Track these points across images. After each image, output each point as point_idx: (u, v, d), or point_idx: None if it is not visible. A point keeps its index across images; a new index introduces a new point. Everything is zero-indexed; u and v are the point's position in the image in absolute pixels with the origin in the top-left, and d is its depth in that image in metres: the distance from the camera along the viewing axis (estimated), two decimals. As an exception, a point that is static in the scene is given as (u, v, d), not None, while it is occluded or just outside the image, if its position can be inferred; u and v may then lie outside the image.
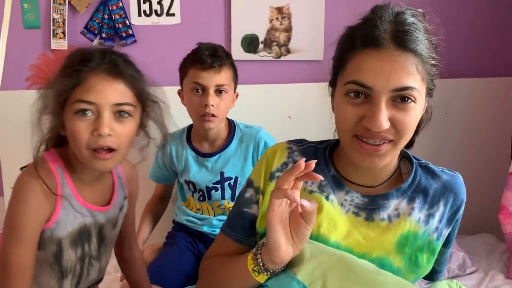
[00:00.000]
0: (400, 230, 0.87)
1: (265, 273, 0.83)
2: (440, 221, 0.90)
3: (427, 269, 0.91)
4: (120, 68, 0.94)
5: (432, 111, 0.89)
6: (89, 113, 0.92)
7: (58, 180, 0.96)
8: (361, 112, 0.79)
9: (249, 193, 0.94)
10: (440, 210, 0.90)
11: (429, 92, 0.84)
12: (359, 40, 0.78)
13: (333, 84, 0.88)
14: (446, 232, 0.93)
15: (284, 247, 0.79)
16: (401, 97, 0.77)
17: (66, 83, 0.91)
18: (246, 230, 0.94)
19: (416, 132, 0.91)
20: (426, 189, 0.90)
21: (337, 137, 0.95)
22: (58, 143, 1.02)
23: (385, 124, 0.77)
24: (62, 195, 0.96)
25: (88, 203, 1.02)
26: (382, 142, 0.80)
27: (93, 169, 0.97)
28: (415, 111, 0.79)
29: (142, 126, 1.03)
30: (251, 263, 0.84)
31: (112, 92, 0.92)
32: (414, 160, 0.94)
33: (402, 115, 0.78)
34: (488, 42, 2.06)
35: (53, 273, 1.01)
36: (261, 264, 0.83)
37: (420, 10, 0.82)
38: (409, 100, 0.77)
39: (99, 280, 1.15)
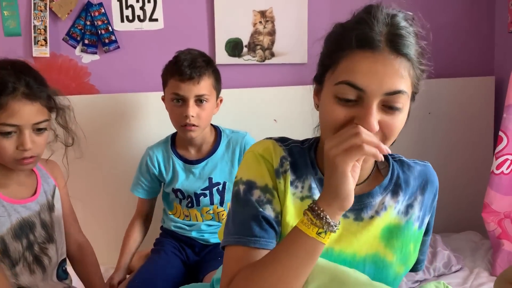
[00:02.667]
0: (382, 223, 0.89)
1: (331, 229, 0.76)
2: (421, 209, 0.93)
3: (413, 259, 0.93)
4: (36, 92, 1.11)
5: (410, 112, 0.89)
6: (13, 133, 1.10)
7: None
8: (351, 114, 0.78)
9: (256, 195, 0.86)
10: (419, 199, 0.93)
11: (413, 96, 0.84)
12: (354, 41, 0.77)
13: (319, 80, 0.86)
14: (427, 220, 0.96)
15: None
16: (390, 104, 0.77)
17: None
18: (269, 232, 0.85)
19: None
20: (405, 181, 0.93)
21: (316, 135, 0.96)
22: None
23: (376, 126, 0.76)
24: None
25: (17, 199, 1.19)
26: None
27: (18, 170, 1.17)
28: (402, 115, 0.80)
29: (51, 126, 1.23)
30: (313, 228, 0.76)
31: (31, 114, 1.11)
32: (388, 155, 0.96)
33: (390, 119, 0.78)
34: (468, 42, 2.09)
35: (4, 265, 1.14)
36: (326, 221, 0.76)
37: (410, 14, 0.82)
38: (398, 108, 0.78)
39: (63, 260, 1.31)
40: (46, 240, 1.24)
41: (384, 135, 0.79)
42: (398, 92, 0.76)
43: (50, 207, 1.27)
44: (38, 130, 1.14)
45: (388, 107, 0.78)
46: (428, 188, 0.94)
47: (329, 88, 0.81)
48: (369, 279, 0.85)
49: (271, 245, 0.84)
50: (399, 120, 0.79)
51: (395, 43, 0.76)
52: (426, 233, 0.98)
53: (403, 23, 0.79)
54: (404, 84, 0.77)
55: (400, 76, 0.76)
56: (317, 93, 0.88)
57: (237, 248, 0.84)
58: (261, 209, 0.85)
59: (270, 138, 0.94)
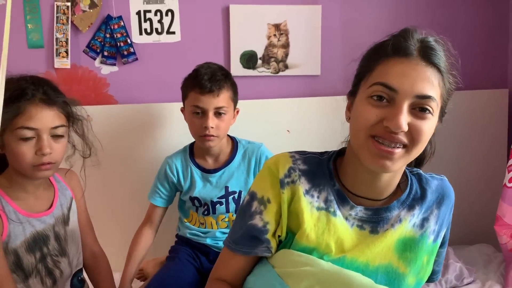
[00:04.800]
0: (396, 235, 0.91)
1: None
2: (436, 223, 0.95)
3: (428, 272, 0.95)
4: (52, 97, 1.15)
5: (435, 145, 0.93)
6: (31, 138, 1.12)
7: None
8: (382, 114, 0.82)
9: (254, 206, 0.93)
10: (435, 213, 0.95)
11: (441, 115, 0.88)
12: (390, 48, 0.84)
13: (353, 93, 0.91)
14: (442, 233, 0.97)
15: None
16: (420, 107, 0.81)
17: (8, 114, 1.08)
18: (253, 241, 0.94)
19: (420, 163, 0.97)
20: (422, 196, 0.95)
21: (339, 149, 0.98)
22: None
23: (405, 126, 0.80)
24: (5, 213, 1.14)
25: (32, 213, 1.20)
26: (397, 146, 0.82)
27: (36, 178, 1.18)
28: (431, 122, 0.83)
29: (69, 139, 1.25)
30: None
31: (49, 118, 1.13)
32: (407, 170, 0.98)
33: (420, 123, 0.81)
34: (482, 55, 2.10)
35: (17, 277, 1.16)
36: None
37: (442, 40, 0.88)
38: (428, 111, 0.82)
39: (79, 270, 1.33)
40: (58, 253, 1.25)
41: (412, 138, 0.82)
42: (428, 97, 0.81)
43: (65, 220, 1.28)
44: (56, 136, 1.16)
45: (418, 109, 0.81)
46: (444, 202, 0.96)
47: (363, 93, 0.86)
48: (373, 282, 0.87)
49: (253, 252, 0.95)
50: (428, 126, 0.82)
51: (427, 54, 0.83)
52: (441, 245, 1.00)
53: (434, 43, 0.85)
54: (434, 91, 0.82)
55: (431, 83, 0.82)
56: (350, 107, 0.92)
57: (226, 249, 1.00)
58: (250, 221, 0.93)
59: (289, 151, 0.98)
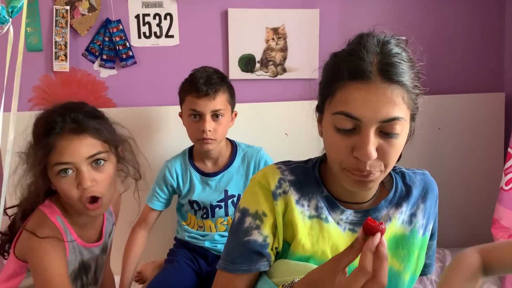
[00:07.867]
0: (387, 234, 0.92)
1: None
2: (424, 217, 0.96)
3: (420, 266, 0.96)
4: (82, 124, 1.06)
5: (415, 126, 0.90)
6: (70, 171, 1.04)
7: (62, 229, 1.07)
8: (351, 143, 0.80)
9: (247, 222, 0.91)
10: (421, 208, 0.96)
11: (413, 117, 0.86)
12: (346, 73, 0.79)
13: (320, 110, 0.90)
14: (430, 226, 0.99)
15: None
16: (387, 131, 0.79)
17: (40, 153, 1.02)
18: (251, 258, 0.91)
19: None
20: (407, 193, 0.96)
21: (320, 155, 0.98)
22: (47, 192, 1.12)
23: (374, 154, 0.78)
24: (68, 241, 1.08)
25: (87, 243, 1.15)
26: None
27: (89, 216, 1.11)
28: (400, 140, 0.82)
29: (119, 161, 1.15)
30: None
31: (82, 148, 1.04)
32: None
33: (388, 144, 0.80)
34: (479, 59, 2.12)
35: None
36: None
37: (403, 38, 0.84)
38: (394, 135, 0.80)
39: None
40: (93, 281, 1.21)
41: (383, 161, 0.81)
42: (393, 119, 0.78)
43: (105, 249, 1.23)
44: (96, 164, 1.06)
45: (385, 134, 0.80)
46: (429, 196, 0.98)
47: (328, 117, 0.84)
48: None
49: (253, 269, 0.91)
50: (396, 145, 0.81)
51: (386, 72, 0.78)
52: (431, 237, 1.01)
53: (395, 50, 0.80)
54: (398, 110, 0.78)
55: (394, 104, 0.78)
56: (320, 121, 0.91)
57: (223, 273, 0.93)
58: (247, 237, 0.90)
59: (274, 163, 0.98)
